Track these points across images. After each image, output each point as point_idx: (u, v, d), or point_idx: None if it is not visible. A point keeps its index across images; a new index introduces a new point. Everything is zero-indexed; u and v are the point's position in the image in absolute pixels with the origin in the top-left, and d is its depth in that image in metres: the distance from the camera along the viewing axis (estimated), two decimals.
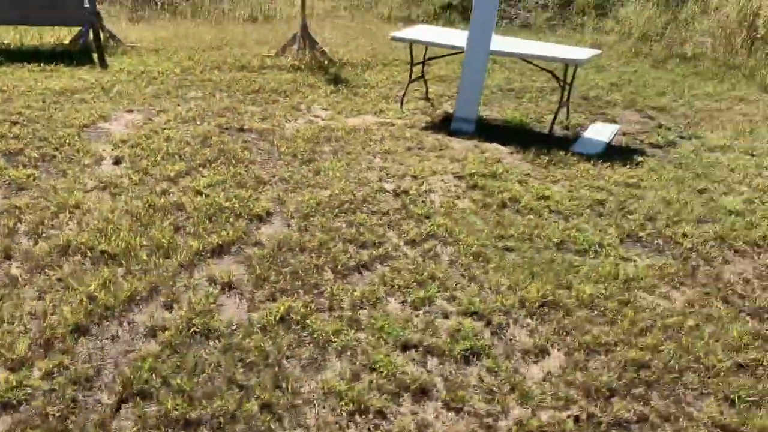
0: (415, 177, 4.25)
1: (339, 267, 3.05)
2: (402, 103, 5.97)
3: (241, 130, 5.02)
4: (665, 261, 3.33)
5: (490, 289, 2.96)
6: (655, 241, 3.54)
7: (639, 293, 3.00)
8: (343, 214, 3.62)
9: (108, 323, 2.57)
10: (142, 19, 10.71)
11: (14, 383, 2.20)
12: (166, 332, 2.52)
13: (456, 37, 5.76)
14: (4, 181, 3.76)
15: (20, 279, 2.80)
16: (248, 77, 6.76)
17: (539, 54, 5.18)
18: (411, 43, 5.82)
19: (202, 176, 4.02)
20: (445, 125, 5.48)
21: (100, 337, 2.50)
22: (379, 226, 3.50)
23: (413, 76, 6.03)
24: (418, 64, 6.08)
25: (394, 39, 5.83)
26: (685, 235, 3.61)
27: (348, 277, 3.00)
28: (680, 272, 3.21)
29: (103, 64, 7.03)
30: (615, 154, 4.99)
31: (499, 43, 5.44)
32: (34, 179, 3.82)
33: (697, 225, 3.75)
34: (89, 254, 3.03)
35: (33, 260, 2.94)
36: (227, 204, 3.61)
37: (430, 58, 6.21)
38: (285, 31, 9.22)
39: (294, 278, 2.92)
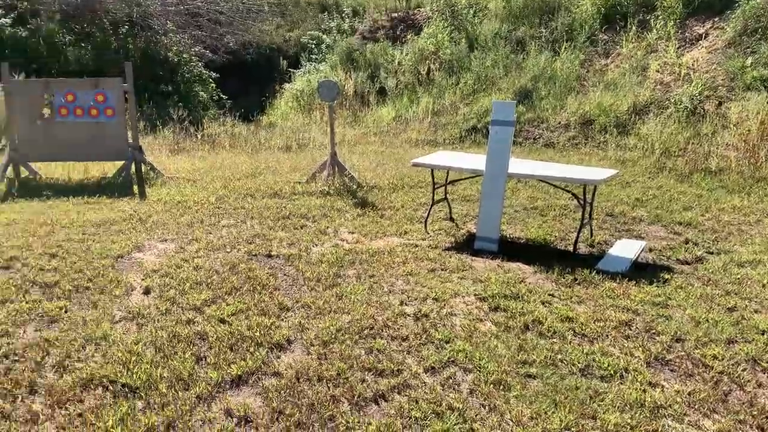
0: (436, 299, 4.26)
1: (356, 398, 3.01)
2: (426, 225, 6.10)
3: (269, 256, 5.16)
4: (695, 386, 3.20)
5: (512, 420, 2.87)
6: (684, 364, 3.42)
7: (668, 422, 2.87)
8: (362, 341, 3.62)
9: None
10: (182, 150, 11.37)
11: None
12: None
13: (475, 161, 5.96)
14: (38, 314, 3.90)
15: (41, 415, 2.84)
16: (279, 203, 7.03)
17: (557, 176, 5.31)
18: (432, 168, 6.04)
19: (227, 304, 4.10)
20: (468, 244, 5.55)
21: None
22: (398, 353, 3.48)
23: (436, 198, 6.19)
24: (440, 186, 6.27)
25: (415, 165, 6.07)
26: (715, 357, 3.48)
27: (365, 408, 2.95)
28: (711, 398, 3.08)
29: (143, 195, 7.42)
30: (641, 271, 4.94)
31: (518, 165, 5.61)
32: (65, 311, 3.95)
33: (727, 346, 3.63)
34: (110, 388, 3.07)
35: (56, 395, 2.99)
36: (248, 333, 3.65)
37: (453, 181, 6.40)
38: (317, 158, 9.67)
39: (310, 411, 2.89)
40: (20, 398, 2.98)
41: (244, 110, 15.99)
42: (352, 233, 5.91)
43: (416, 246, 5.50)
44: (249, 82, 18.98)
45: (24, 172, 8.31)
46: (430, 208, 6.19)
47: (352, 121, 14.14)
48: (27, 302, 4.05)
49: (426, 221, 6.14)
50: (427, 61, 14.68)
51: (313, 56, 18.69)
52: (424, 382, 3.19)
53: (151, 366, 3.25)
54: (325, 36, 18.98)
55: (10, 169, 8.18)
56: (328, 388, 3.09)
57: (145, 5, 15.89)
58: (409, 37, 16.25)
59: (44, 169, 8.67)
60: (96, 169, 8.93)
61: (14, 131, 8.18)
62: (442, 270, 4.88)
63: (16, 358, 3.35)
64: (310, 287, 4.47)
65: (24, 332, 3.66)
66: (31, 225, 5.90)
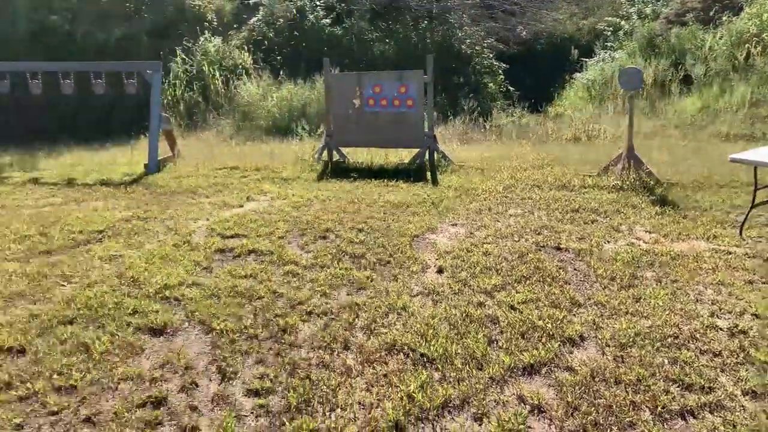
0: (757, 316, 3.70)
1: (659, 408, 2.76)
2: (741, 230, 5.34)
3: (558, 248, 5.04)
4: None
5: None
6: None
7: None
8: (665, 349, 3.31)
9: (423, 426, 2.72)
10: (471, 140, 11.74)
11: None
12: None
13: None
14: (349, 280, 4.37)
15: (353, 370, 3.17)
16: (568, 196, 6.82)
17: None
18: (756, 166, 5.25)
19: (517, 292, 4.10)
20: None
21: None
22: (709, 368, 3.10)
23: (757, 201, 5.38)
24: (763, 187, 5.42)
25: (733, 161, 5.34)
26: None
27: (669, 421, 2.69)
28: None
29: (435, 182, 7.84)
30: None
31: None
32: (371, 280, 4.36)
33: None
34: (410, 355, 3.29)
35: (365, 354, 3.31)
36: (540, 323, 3.60)
37: None
38: (608, 151, 9.16)
39: (608, 413, 2.73)
40: (336, 352, 3.36)
41: (533, 101, 15.89)
42: (650, 233, 5.45)
43: (729, 253, 4.85)
44: (538, 73, 18.78)
45: (335, 156, 9.40)
46: (749, 211, 5.40)
47: (649, 112, 13.07)
48: (340, 269, 4.57)
49: (742, 226, 5.37)
50: (747, 45, 12.84)
51: (608, 44, 17.72)
52: (743, 406, 2.79)
53: (446, 341, 3.41)
54: (623, 22, 17.83)
55: (325, 152, 9.33)
56: (627, 392, 2.89)
57: (445, 0, 16.74)
58: (725, 18, 14.40)
59: (351, 154, 9.69)
60: (394, 155, 9.70)
61: (330, 119, 9.29)
62: (763, 284, 4.22)
63: (333, 316, 3.80)
64: (603, 285, 4.24)
65: (338, 295, 4.13)
66: (341, 202, 6.65)
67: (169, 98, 13.32)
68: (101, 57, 12.49)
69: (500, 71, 17.52)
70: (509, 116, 14.19)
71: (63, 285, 4.33)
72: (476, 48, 16.78)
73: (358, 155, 9.80)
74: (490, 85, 16.87)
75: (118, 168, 8.97)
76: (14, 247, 5.15)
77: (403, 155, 9.58)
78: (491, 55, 17.44)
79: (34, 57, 12.06)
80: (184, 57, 14.22)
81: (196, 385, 3.05)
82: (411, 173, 8.41)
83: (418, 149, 9.07)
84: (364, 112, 9.10)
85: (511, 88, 17.69)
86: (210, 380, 3.10)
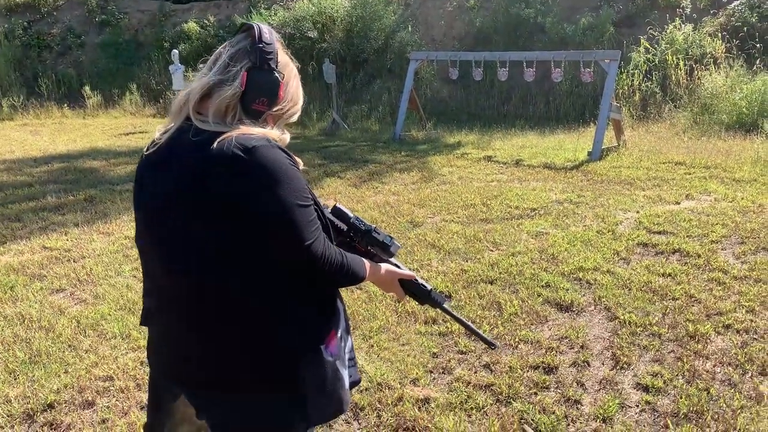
0: None
1: None
2: None
3: None
4: None
5: None
6: None
7: None
8: None
9: None
10: None
11: None
12: None
13: None
14: None
15: (765, 397, 2.75)
16: None
17: None
18: None
19: None
20: None
21: None
22: None
23: None
24: None
25: None
26: None
27: None
28: None
29: None
30: None
31: None
32: None
33: None
34: None
35: None
36: None
37: None
38: None
39: None
40: (750, 374, 2.97)
41: None
42: None
43: None
44: None
45: None
46: None
47: None
48: None
49: None
50: None
51: None
52: None
53: None
54: None
55: None
56: None
57: None
58: None
59: None
60: None
61: None
62: None
63: (755, 336, 3.33)
64: None
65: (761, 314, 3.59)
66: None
67: (625, 88, 13.15)
68: (565, 47, 13.14)
69: None
70: None
71: (492, 250, 4.89)
72: None
73: None
74: None
75: (562, 153, 9.40)
76: (461, 212, 6.01)
77: None
78: None
79: (509, 47, 13.47)
80: (648, 46, 13.80)
81: (588, 365, 3.12)
82: None
83: None
84: None
85: None
86: (602, 364, 3.13)
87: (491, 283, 4.18)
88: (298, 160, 1.44)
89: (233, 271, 1.38)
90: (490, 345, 1.99)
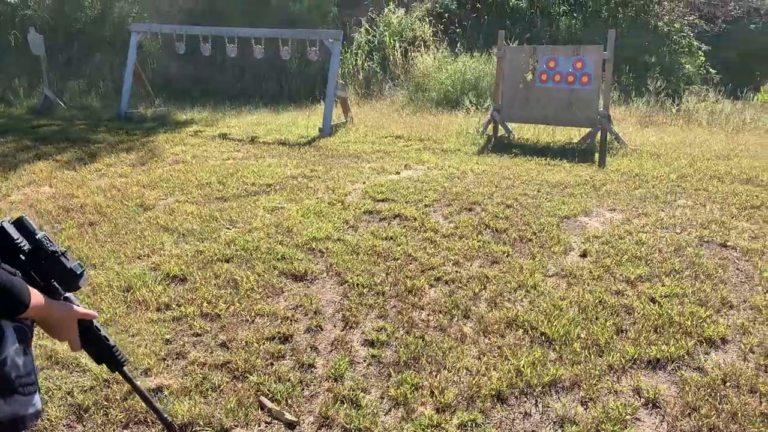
0: None
1: None
2: None
3: (723, 245, 4.59)
4: None
5: None
6: None
7: None
8: None
9: (525, 400, 2.71)
10: (652, 123, 10.91)
11: (435, 422, 2.54)
12: (573, 427, 2.50)
13: None
14: (485, 253, 4.37)
15: (468, 337, 3.21)
16: (751, 191, 6.13)
17: None
18: None
19: (663, 285, 3.83)
20: None
21: (514, 409, 2.65)
22: None
23: None
24: None
25: None
26: None
27: None
28: None
29: (602, 164, 7.45)
30: None
31: None
32: (507, 256, 4.33)
33: None
34: (530, 332, 3.25)
35: (483, 324, 3.34)
36: (678, 319, 3.35)
37: None
38: None
39: (730, 419, 2.51)
40: (456, 319, 3.42)
41: (731, 85, 14.26)
42: None
43: None
44: (744, 55, 16.80)
45: (500, 131, 9.27)
46: None
47: None
48: (478, 241, 4.58)
49: None
50: None
51: None
52: None
53: (571, 324, 3.31)
54: None
55: (490, 126, 9.24)
56: (761, 403, 2.62)
57: None
58: None
59: (517, 130, 9.49)
60: (562, 133, 9.34)
61: (500, 93, 9.16)
62: None
63: (460, 285, 3.85)
64: (765, 288, 3.81)
65: (470, 266, 4.16)
66: (496, 177, 6.59)
67: (350, 67, 13.96)
68: (293, 25, 13.40)
69: (701, 52, 15.92)
70: (702, 101, 12.91)
71: (228, 228, 4.85)
72: (675, 25, 15.40)
73: (525, 131, 9.58)
74: (687, 66, 15.41)
75: (295, 130, 9.66)
76: (196, 192, 5.84)
77: (571, 134, 9.20)
78: (691, 34, 15.90)
79: (240, 24, 13.31)
80: (368, 28, 14.78)
81: (321, 329, 3.30)
82: (577, 153, 8.06)
83: (589, 129, 8.65)
84: (536, 87, 8.84)
85: (713, 71, 16.02)
86: (334, 326, 3.33)
87: (228, 261, 4.15)
88: None
89: None
90: (167, 425, 1.80)
